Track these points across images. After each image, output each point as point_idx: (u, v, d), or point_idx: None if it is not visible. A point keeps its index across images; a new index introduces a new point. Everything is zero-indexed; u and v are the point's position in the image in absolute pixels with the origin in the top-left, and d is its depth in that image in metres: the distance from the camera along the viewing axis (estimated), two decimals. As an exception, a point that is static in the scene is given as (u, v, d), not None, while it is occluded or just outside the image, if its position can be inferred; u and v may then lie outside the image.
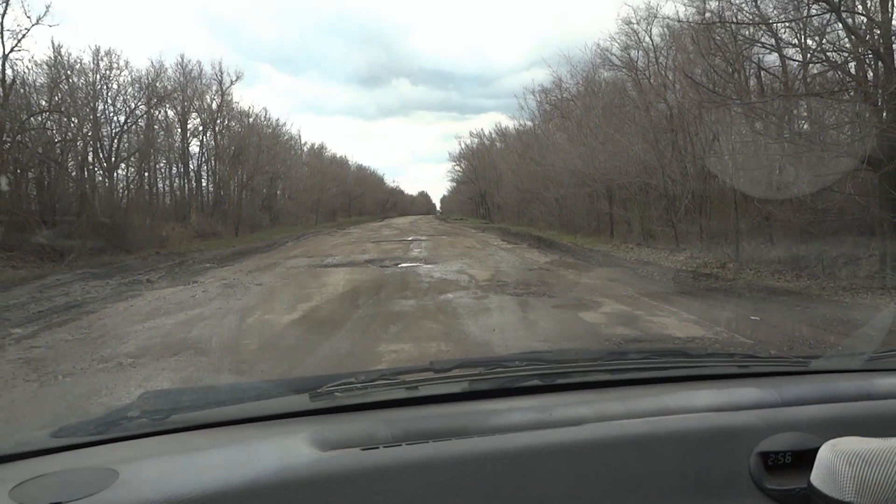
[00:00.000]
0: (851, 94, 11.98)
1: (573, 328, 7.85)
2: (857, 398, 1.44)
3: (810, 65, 13.53)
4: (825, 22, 11.85)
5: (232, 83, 35.30)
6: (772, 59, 15.80)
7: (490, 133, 62.31)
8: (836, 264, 12.15)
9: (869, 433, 1.09)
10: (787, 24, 12.92)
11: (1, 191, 16.94)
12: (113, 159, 24.35)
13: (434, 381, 1.56)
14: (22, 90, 19.44)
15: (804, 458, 1.16)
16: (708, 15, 13.97)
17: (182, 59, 37.57)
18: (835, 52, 12.06)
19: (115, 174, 24.79)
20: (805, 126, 14.20)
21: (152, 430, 1.37)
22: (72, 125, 21.42)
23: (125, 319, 8.66)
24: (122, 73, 36.04)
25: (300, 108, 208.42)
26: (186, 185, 33.58)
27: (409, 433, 1.25)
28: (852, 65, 11.98)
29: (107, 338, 7.46)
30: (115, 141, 24.69)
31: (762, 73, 16.43)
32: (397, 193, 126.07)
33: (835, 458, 1.03)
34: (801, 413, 1.33)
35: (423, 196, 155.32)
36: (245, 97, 58.98)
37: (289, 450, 1.18)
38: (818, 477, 1.05)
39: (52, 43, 28.10)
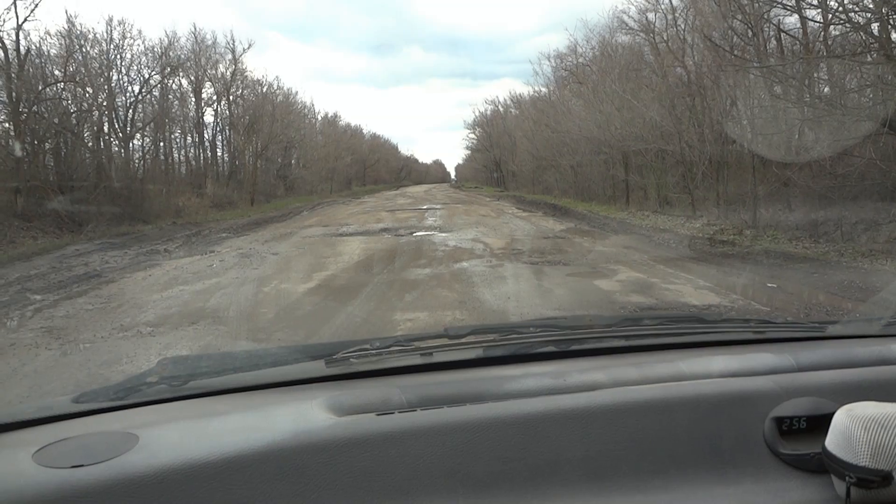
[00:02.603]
0: (874, 55, 11.71)
1: (588, 296, 7.84)
2: (874, 363, 1.43)
3: (831, 26, 13.22)
4: (848, -19, 11.55)
5: (244, 51, 35.20)
6: (792, 20, 15.45)
7: (505, 100, 61.79)
8: (855, 230, 12.01)
9: (885, 398, 1.09)
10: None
11: (19, 161, 17.06)
12: (128, 129, 24.39)
13: (448, 348, 1.57)
14: (37, 60, 19.46)
15: (819, 423, 1.16)
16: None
17: (195, 28, 37.58)
18: (857, 12, 11.77)
19: (131, 144, 24.87)
20: (825, 89, 13.93)
21: (171, 396, 1.39)
22: (87, 95, 21.44)
23: (144, 289, 8.76)
24: (136, 43, 35.94)
25: (312, 77, 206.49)
26: (202, 155, 33.63)
27: (424, 399, 1.26)
28: (875, 25, 11.68)
29: (126, 307, 7.56)
30: (130, 111, 24.73)
31: (782, 35, 16.09)
32: (412, 162, 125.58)
33: (850, 423, 1.02)
34: (817, 378, 1.32)
35: (438, 164, 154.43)
36: (257, 66, 58.58)
37: (305, 415, 1.20)
38: (833, 441, 1.05)
39: (66, 12, 28.00)
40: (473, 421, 1.14)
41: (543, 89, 40.46)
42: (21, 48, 18.20)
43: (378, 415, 1.18)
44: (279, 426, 1.15)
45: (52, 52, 20.70)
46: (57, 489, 0.98)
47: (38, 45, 19.74)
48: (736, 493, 1.09)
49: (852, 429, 1.01)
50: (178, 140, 31.92)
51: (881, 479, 0.98)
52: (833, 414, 1.07)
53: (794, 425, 1.19)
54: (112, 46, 23.78)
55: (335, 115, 64.61)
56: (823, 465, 1.07)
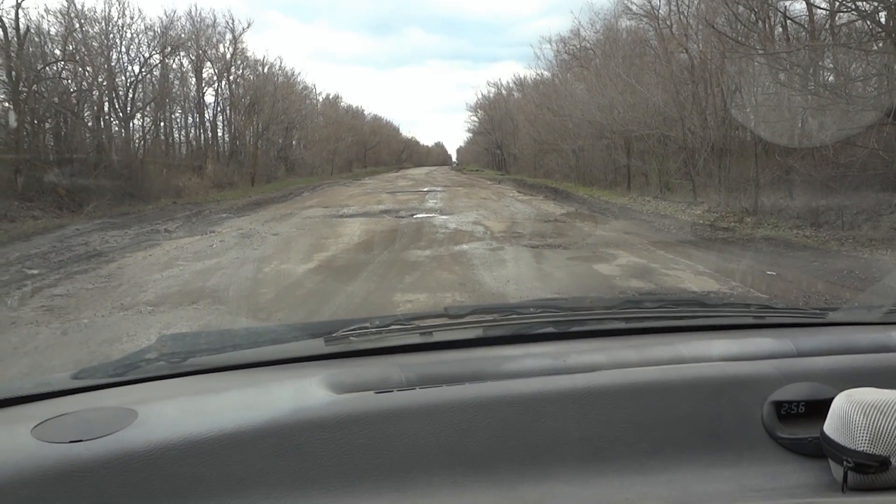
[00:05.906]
0: (880, 45, 11.64)
1: (588, 280, 7.84)
2: (874, 350, 1.43)
3: (838, 14, 13.11)
4: (855, -33, 11.46)
5: (244, 31, 34.92)
6: (798, 7, 15.39)
7: (507, 83, 61.40)
8: (856, 220, 11.99)
9: (885, 385, 1.09)
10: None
11: (18, 140, 16.99)
12: (128, 109, 24.25)
13: (448, 327, 1.57)
14: (36, 39, 19.33)
15: (818, 408, 1.16)
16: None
17: (194, 7, 37.26)
18: (864, 0, 11.67)
19: (131, 124, 24.72)
20: (830, 78, 13.85)
21: (170, 373, 1.40)
22: (87, 75, 21.32)
23: (144, 268, 8.76)
24: (136, 22, 35.66)
25: (312, 57, 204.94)
26: (202, 136, 33.43)
27: (423, 377, 1.26)
28: (882, 14, 11.60)
29: (127, 286, 7.56)
30: (131, 91, 24.55)
31: (788, 22, 15.97)
32: (413, 144, 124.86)
33: (849, 408, 1.02)
34: (817, 364, 1.32)
35: (439, 147, 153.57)
36: (257, 46, 58.11)
37: (304, 392, 1.20)
38: (831, 426, 1.05)
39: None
40: (472, 400, 1.15)
41: (546, 73, 40.31)
42: (21, 27, 18.09)
43: (377, 393, 1.18)
44: (278, 403, 1.16)
45: (52, 31, 20.59)
46: (55, 464, 0.98)
47: (37, 24, 19.63)
48: (733, 475, 1.10)
49: (851, 414, 1.01)
50: (178, 120, 31.73)
51: (879, 464, 0.98)
52: (832, 399, 1.07)
53: (792, 410, 1.20)
54: (111, 25, 23.61)
55: (336, 97, 64.26)
56: (821, 450, 1.07)
